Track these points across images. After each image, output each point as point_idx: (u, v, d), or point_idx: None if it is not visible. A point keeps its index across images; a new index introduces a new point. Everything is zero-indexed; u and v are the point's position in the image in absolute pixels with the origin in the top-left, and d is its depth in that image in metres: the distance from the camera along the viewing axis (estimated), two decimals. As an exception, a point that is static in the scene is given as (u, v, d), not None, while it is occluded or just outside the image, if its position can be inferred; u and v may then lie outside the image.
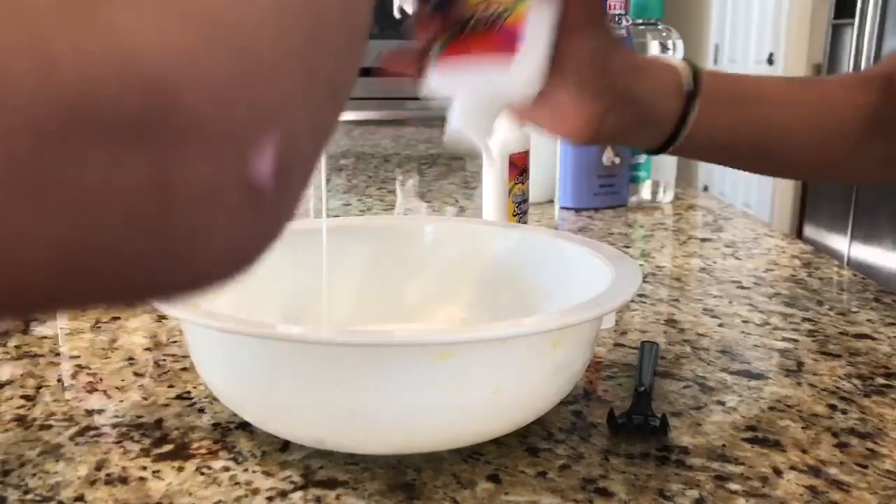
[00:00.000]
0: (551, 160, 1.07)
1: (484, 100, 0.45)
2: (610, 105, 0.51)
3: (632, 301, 0.68)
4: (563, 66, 0.49)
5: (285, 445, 0.43)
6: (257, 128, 0.17)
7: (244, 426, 0.45)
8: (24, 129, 0.14)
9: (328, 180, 1.32)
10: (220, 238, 0.17)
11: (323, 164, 1.46)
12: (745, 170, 0.61)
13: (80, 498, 0.38)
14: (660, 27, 1.06)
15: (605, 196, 1.08)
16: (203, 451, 0.43)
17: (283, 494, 0.39)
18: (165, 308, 0.39)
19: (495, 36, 0.44)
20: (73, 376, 0.53)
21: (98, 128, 0.15)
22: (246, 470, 0.41)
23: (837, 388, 0.52)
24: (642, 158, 1.11)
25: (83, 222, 0.15)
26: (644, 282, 0.74)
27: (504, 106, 0.48)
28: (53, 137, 0.14)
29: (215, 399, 0.48)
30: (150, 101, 0.15)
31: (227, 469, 0.41)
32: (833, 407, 0.49)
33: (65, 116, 0.14)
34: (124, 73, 0.15)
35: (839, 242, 2.48)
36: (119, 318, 0.64)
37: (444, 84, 0.45)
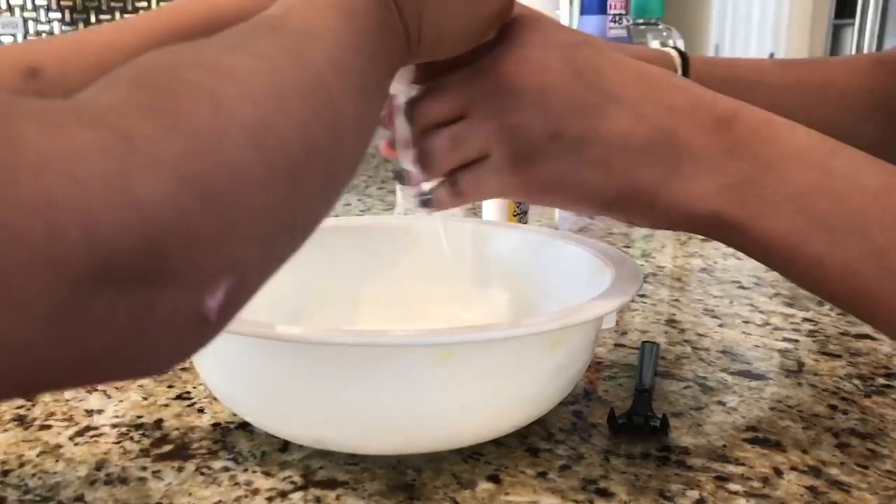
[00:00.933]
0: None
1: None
2: None
3: (632, 301, 0.68)
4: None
5: (285, 445, 0.43)
6: (219, 277, 0.22)
7: (244, 426, 0.45)
8: (67, 280, 0.18)
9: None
10: (169, 349, 0.22)
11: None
12: None
13: (80, 498, 0.38)
14: (660, 27, 1.06)
15: (605, 196, 1.08)
16: (203, 451, 0.43)
17: (283, 495, 0.39)
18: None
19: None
20: (73, 376, 0.53)
21: (111, 279, 0.19)
22: (246, 470, 0.41)
23: (838, 388, 0.52)
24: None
25: (83, 345, 0.20)
26: (644, 282, 0.74)
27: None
28: (86, 288, 0.19)
29: (215, 399, 0.48)
30: (150, 248, 0.19)
31: (226, 469, 0.41)
32: (834, 407, 0.49)
33: (97, 271, 0.19)
34: (139, 227, 0.19)
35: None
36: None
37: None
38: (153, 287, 0.20)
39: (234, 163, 0.22)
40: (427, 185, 0.44)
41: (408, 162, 0.43)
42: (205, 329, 0.23)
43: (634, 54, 0.54)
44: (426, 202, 0.44)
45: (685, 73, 0.54)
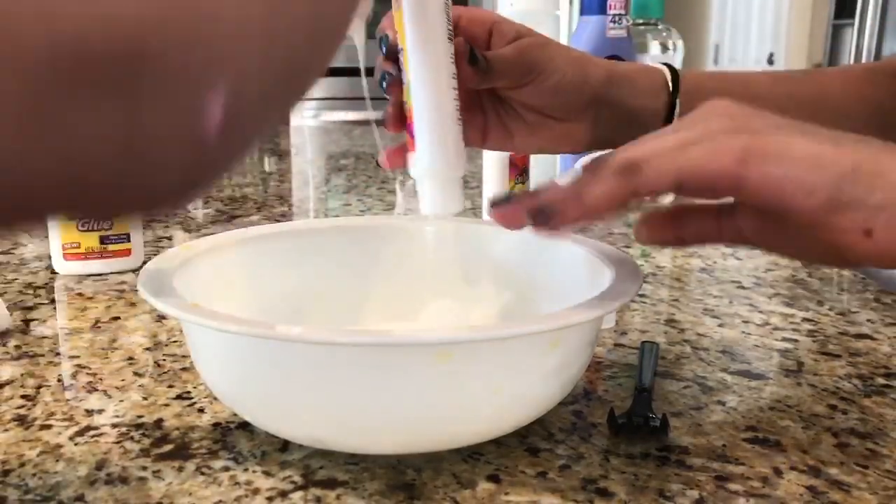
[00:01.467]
0: (551, 160, 1.07)
1: (429, 182, 0.50)
2: (595, 115, 0.52)
3: (632, 301, 0.68)
4: (532, 102, 0.52)
5: (285, 445, 0.43)
6: (210, 81, 0.20)
7: (244, 426, 0.45)
8: (26, 71, 0.17)
9: (328, 180, 1.32)
10: (173, 172, 0.21)
11: (323, 164, 1.46)
12: None
13: (80, 498, 0.38)
14: (660, 27, 1.06)
15: (605, 196, 1.08)
16: (203, 451, 0.43)
17: (283, 494, 0.39)
18: (165, 308, 0.39)
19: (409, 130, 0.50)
20: (73, 376, 0.53)
21: (83, 75, 0.18)
22: (246, 470, 0.41)
23: (838, 388, 0.52)
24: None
25: (67, 153, 0.18)
26: (644, 282, 0.74)
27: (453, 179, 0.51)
28: (49, 81, 0.17)
29: (215, 399, 0.48)
30: (124, 51, 0.18)
31: (227, 469, 0.41)
32: (833, 407, 0.49)
33: (59, 63, 0.17)
34: (108, 31, 0.18)
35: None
36: (119, 318, 0.64)
37: (411, 172, 0.51)
38: (136, 94, 0.19)
39: None
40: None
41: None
42: (206, 151, 0.21)
43: (626, 70, 0.54)
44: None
45: (675, 87, 0.54)
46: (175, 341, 0.59)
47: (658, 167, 0.36)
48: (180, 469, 0.41)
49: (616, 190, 0.37)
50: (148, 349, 0.57)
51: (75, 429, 0.45)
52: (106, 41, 0.18)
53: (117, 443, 0.44)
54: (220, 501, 0.38)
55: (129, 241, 0.76)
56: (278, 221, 1.00)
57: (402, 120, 0.50)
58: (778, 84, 0.59)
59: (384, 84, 0.51)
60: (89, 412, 0.47)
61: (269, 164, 1.52)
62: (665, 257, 0.86)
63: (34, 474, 0.41)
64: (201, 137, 0.21)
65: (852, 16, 2.38)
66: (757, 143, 0.35)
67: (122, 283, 0.73)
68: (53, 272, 0.76)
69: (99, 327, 0.62)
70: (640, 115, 0.54)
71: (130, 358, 0.56)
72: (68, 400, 0.49)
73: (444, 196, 0.50)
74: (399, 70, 0.50)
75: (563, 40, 0.66)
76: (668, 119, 0.54)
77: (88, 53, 0.18)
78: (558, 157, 1.06)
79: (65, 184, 0.19)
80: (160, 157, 0.20)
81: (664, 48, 1.05)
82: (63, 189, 0.19)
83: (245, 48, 0.22)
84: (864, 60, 2.31)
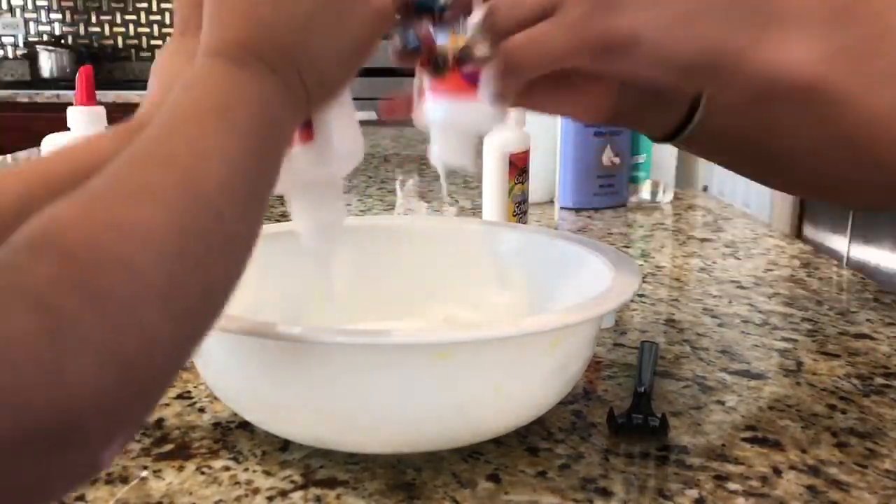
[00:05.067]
0: (551, 160, 1.07)
1: (459, 132, 0.48)
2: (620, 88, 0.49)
3: (631, 301, 0.68)
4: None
5: (285, 445, 0.43)
6: (123, 434, 0.24)
7: (244, 426, 0.45)
8: None
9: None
10: (62, 491, 0.24)
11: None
12: (749, 172, 0.56)
13: (81, 498, 0.38)
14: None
15: (604, 196, 1.08)
16: (203, 450, 0.43)
17: (284, 494, 0.39)
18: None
19: (464, 74, 0.46)
20: (74, 376, 0.53)
21: (29, 447, 0.21)
22: (246, 469, 0.41)
23: (837, 387, 0.52)
24: (642, 158, 1.11)
25: None
26: (644, 282, 0.75)
27: (477, 137, 0.49)
28: (4, 455, 0.20)
29: (215, 398, 0.48)
30: (69, 425, 0.21)
31: (227, 468, 0.41)
32: (832, 407, 0.49)
33: (18, 441, 0.20)
34: (62, 408, 0.21)
35: (838, 242, 2.48)
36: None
37: (427, 119, 0.48)
38: (62, 450, 0.22)
39: (148, 329, 0.24)
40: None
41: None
42: (97, 470, 0.25)
43: None
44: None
45: None
46: (175, 341, 0.59)
47: (531, 61, 0.38)
48: (181, 468, 0.41)
49: (504, 83, 0.40)
50: (148, 349, 0.57)
51: (76, 428, 0.45)
52: (59, 420, 0.21)
53: (118, 442, 0.44)
54: (221, 501, 0.38)
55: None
56: (278, 221, 1.00)
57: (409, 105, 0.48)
58: None
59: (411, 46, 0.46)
60: (90, 412, 0.47)
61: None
62: (664, 257, 0.86)
63: (35, 474, 0.41)
64: (97, 469, 0.24)
65: (852, 16, 2.38)
66: (610, 36, 0.36)
67: (123, 283, 0.73)
68: (54, 272, 0.75)
69: (99, 327, 0.62)
70: (666, 92, 0.51)
71: (131, 358, 0.56)
72: (69, 400, 0.49)
73: (460, 147, 0.48)
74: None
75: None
76: (697, 99, 0.49)
77: (43, 431, 0.21)
78: (558, 156, 1.06)
79: None
80: (59, 486, 0.23)
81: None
82: None
83: (157, 398, 0.27)
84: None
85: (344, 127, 0.42)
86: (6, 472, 0.21)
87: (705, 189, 1.73)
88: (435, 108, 0.47)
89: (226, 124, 0.30)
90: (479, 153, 0.49)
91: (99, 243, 0.24)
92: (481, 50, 0.41)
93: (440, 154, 0.47)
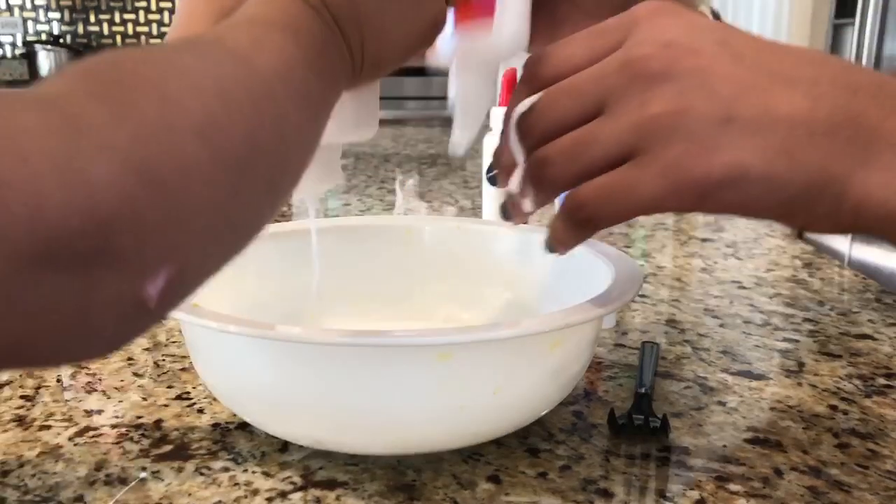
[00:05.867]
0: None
1: (477, 64, 0.45)
2: None
3: (632, 301, 0.68)
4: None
5: (285, 446, 0.43)
6: (161, 264, 0.22)
7: (244, 426, 0.45)
8: (10, 259, 0.18)
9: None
10: (108, 333, 0.22)
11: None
12: None
13: (80, 498, 0.38)
14: (660, 27, 1.06)
15: (605, 196, 1.08)
16: (202, 451, 0.43)
17: (283, 495, 0.39)
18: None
19: (480, 2, 0.44)
20: (73, 376, 0.53)
21: (55, 260, 0.19)
22: (246, 470, 0.41)
23: (838, 388, 0.52)
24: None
25: (21, 326, 0.20)
26: (645, 282, 0.74)
27: (497, 66, 0.46)
28: (29, 267, 0.19)
29: (215, 399, 0.48)
30: (96, 234, 0.20)
31: (226, 469, 0.41)
32: (834, 407, 0.49)
33: (42, 252, 0.19)
34: (86, 212, 0.19)
35: (840, 243, 2.48)
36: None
37: (442, 54, 0.45)
38: (96, 270, 0.20)
39: (181, 153, 0.22)
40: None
41: (515, 187, 0.36)
42: (144, 316, 0.23)
43: None
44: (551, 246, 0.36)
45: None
46: (174, 342, 0.59)
47: (611, 212, 0.33)
48: (180, 469, 0.41)
49: (569, 234, 0.35)
50: (147, 350, 0.57)
51: (74, 429, 0.45)
52: (84, 228, 0.20)
53: (117, 443, 0.44)
54: (220, 502, 0.38)
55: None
56: (278, 221, 1.00)
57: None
58: None
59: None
60: (88, 413, 0.47)
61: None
62: (665, 257, 0.85)
63: (33, 475, 0.40)
64: (144, 305, 0.22)
65: (852, 16, 2.38)
66: (712, 178, 0.32)
67: (122, 283, 0.73)
68: (53, 272, 0.75)
69: (98, 327, 0.61)
70: None
71: (130, 358, 0.56)
72: (67, 400, 0.49)
73: (480, 81, 0.44)
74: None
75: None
76: None
77: (66, 239, 0.19)
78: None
79: (12, 349, 0.20)
80: (104, 322, 0.22)
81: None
82: (7, 353, 0.20)
83: (203, 227, 0.24)
84: (864, 60, 2.31)
85: (521, 14, 0.42)
86: (35, 291, 0.19)
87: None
88: (451, 40, 0.44)
89: (290, 35, 0.30)
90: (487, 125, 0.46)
91: (131, 68, 0.23)
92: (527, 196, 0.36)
93: (459, 90, 0.44)
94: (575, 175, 0.33)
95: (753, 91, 0.32)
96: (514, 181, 0.36)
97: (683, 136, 0.32)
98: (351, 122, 0.40)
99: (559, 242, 0.36)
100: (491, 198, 0.81)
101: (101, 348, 0.23)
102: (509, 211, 0.37)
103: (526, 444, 0.44)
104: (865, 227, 0.33)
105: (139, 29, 3.46)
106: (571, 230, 0.35)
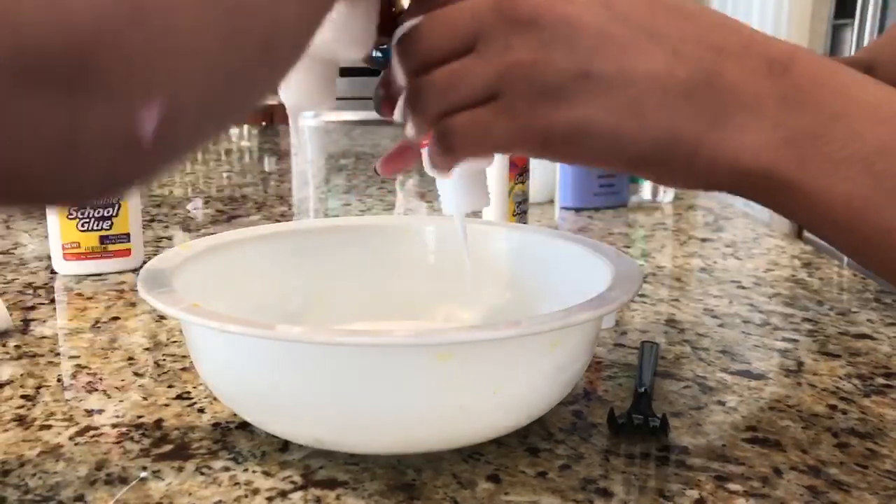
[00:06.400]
0: (551, 164, 1.07)
1: (464, 174, 0.44)
2: None
3: (632, 301, 0.68)
4: None
5: (285, 445, 0.43)
6: (150, 94, 0.22)
7: (244, 426, 0.45)
8: None
9: (328, 180, 1.32)
10: (101, 170, 0.22)
11: (323, 164, 1.45)
12: None
13: (80, 498, 0.38)
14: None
15: (605, 196, 1.08)
16: (203, 451, 0.43)
17: (283, 494, 0.39)
18: (165, 308, 0.39)
19: None
20: (73, 376, 0.53)
21: (34, 74, 0.19)
22: (246, 470, 0.41)
23: (837, 388, 0.52)
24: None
25: (13, 144, 0.20)
26: (644, 282, 0.74)
27: (481, 174, 0.46)
28: (6, 79, 0.19)
29: (215, 399, 0.48)
30: (75, 55, 0.20)
31: (227, 469, 0.41)
32: (833, 407, 0.49)
33: (22, 70, 0.19)
34: (63, 31, 0.19)
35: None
36: (119, 318, 0.64)
37: (427, 169, 0.44)
38: (80, 94, 0.20)
39: None
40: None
41: (401, 115, 0.37)
42: (138, 154, 0.23)
43: None
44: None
45: None
46: (175, 341, 0.59)
47: (469, 146, 0.35)
48: (180, 469, 0.41)
49: (440, 159, 0.37)
50: (148, 349, 0.57)
51: (75, 429, 0.45)
52: (62, 47, 0.19)
53: (117, 443, 0.44)
54: (220, 502, 0.38)
55: (129, 241, 0.76)
56: (278, 221, 1.00)
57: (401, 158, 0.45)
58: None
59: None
60: (89, 412, 0.47)
61: (269, 164, 1.52)
62: (665, 257, 0.85)
63: (34, 474, 0.41)
64: (136, 141, 0.22)
65: (852, 16, 2.38)
66: (558, 129, 0.33)
67: (122, 283, 0.73)
68: (53, 272, 0.76)
69: (99, 327, 0.62)
70: None
71: (130, 358, 0.56)
72: (68, 400, 0.49)
73: (473, 191, 0.44)
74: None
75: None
76: None
77: (45, 57, 0.19)
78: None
79: (4, 172, 0.20)
80: (95, 155, 0.22)
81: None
82: (1, 176, 0.20)
83: (193, 65, 0.23)
84: (864, 60, 2.31)
85: None
86: (19, 109, 0.19)
87: (705, 189, 1.72)
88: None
89: None
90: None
91: None
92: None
93: (451, 202, 0.44)
94: (443, 109, 0.35)
95: (614, 46, 0.32)
96: (398, 111, 0.38)
97: (537, 86, 0.33)
98: (346, 36, 0.39)
99: (434, 165, 0.38)
100: (491, 198, 0.81)
101: (95, 186, 0.22)
102: (379, 105, 0.38)
103: (526, 443, 0.44)
104: (717, 185, 0.34)
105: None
106: (440, 155, 0.36)
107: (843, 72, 0.33)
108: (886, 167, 0.31)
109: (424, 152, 0.40)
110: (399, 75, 0.37)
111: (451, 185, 0.43)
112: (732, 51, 0.33)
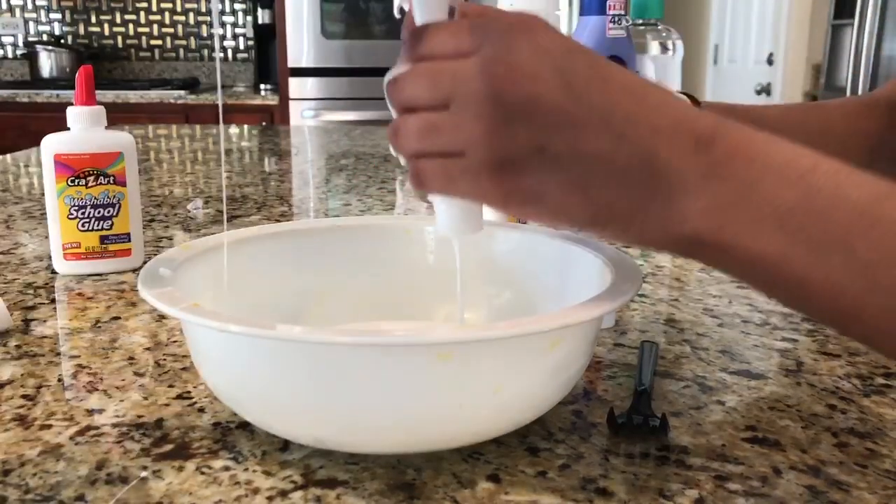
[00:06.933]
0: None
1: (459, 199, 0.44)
2: None
3: (632, 301, 0.68)
4: None
5: (285, 445, 0.43)
6: None
7: (244, 426, 0.45)
8: None
9: (328, 180, 1.32)
10: None
11: (323, 164, 1.45)
12: None
13: (81, 498, 0.38)
14: (660, 27, 1.06)
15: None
16: (203, 450, 0.43)
17: (284, 494, 0.39)
18: (166, 308, 0.39)
19: None
20: (74, 376, 0.53)
21: None
22: (246, 470, 0.41)
23: (837, 387, 0.52)
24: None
25: None
26: (644, 282, 0.75)
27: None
28: None
29: (215, 399, 0.48)
30: None
31: (227, 469, 0.41)
32: (833, 407, 0.49)
33: None
34: None
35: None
36: (119, 318, 0.64)
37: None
38: None
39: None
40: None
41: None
42: None
43: None
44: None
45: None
46: (175, 341, 0.59)
47: (438, 188, 0.41)
48: (180, 469, 0.41)
49: (415, 188, 0.41)
50: (148, 349, 0.57)
51: (75, 429, 0.45)
52: None
53: (118, 443, 0.44)
54: (221, 501, 0.38)
55: (129, 241, 0.76)
56: (278, 221, 1.00)
57: None
58: (788, 115, 0.59)
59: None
60: (89, 412, 0.47)
61: (269, 164, 1.52)
62: (664, 257, 0.86)
63: (34, 474, 0.41)
64: None
65: (852, 16, 2.38)
66: (514, 194, 0.39)
67: (122, 283, 0.73)
68: (53, 272, 0.76)
69: (99, 327, 0.62)
70: None
71: (131, 358, 0.56)
72: (68, 400, 0.49)
73: (465, 215, 0.44)
74: None
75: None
76: None
77: None
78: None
79: None
80: None
81: (664, 48, 1.05)
82: None
83: None
84: (863, 60, 2.31)
85: None
86: None
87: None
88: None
89: None
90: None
91: None
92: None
93: (445, 225, 0.44)
94: (416, 152, 0.40)
95: (569, 126, 0.37)
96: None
97: (498, 156, 0.38)
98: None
99: (412, 186, 0.41)
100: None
101: None
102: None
103: (526, 443, 0.44)
104: (656, 248, 0.40)
105: (140, 30, 3.47)
106: (416, 187, 0.41)
107: (759, 141, 0.37)
108: (796, 223, 0.35)
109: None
110: (392, 109, 0.41)
111: (443, 206, 0.44)
112: (666, 130, 0.37)
